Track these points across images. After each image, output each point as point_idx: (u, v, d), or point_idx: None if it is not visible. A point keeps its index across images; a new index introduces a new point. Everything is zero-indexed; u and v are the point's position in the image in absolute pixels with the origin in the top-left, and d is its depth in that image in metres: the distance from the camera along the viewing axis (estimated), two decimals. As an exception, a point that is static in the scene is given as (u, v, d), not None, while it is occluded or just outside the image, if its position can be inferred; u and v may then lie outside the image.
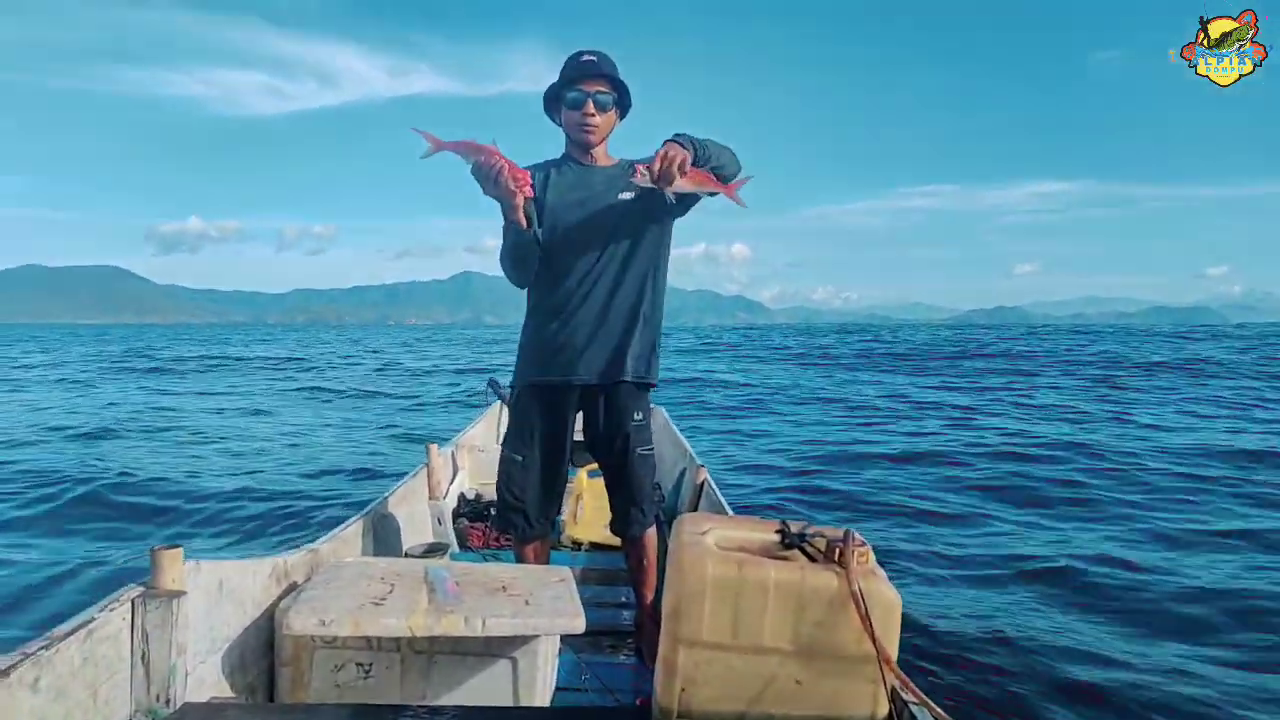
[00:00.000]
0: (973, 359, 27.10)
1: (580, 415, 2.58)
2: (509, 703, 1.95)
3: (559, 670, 2.23)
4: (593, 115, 2.41)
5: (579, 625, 1.89)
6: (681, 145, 2.18)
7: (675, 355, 32.31)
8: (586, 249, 2.43)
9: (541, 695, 2.00)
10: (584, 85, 2.40)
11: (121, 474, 7.08)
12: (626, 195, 2.42)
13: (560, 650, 2.30)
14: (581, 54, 2.44)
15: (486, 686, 1.95)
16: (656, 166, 2.12)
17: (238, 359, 30.95)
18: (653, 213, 2.44)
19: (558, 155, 2.57)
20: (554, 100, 2.47)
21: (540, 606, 1.93)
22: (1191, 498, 6.36)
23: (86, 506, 6.05)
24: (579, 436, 2.60)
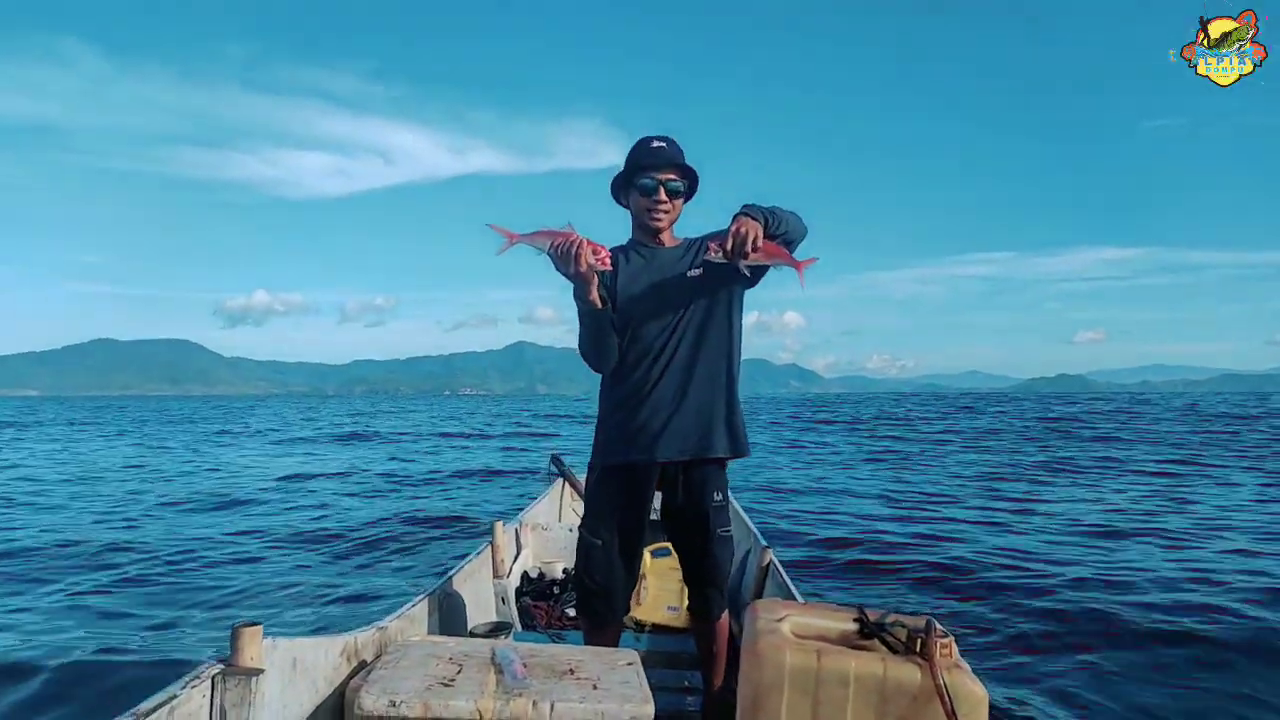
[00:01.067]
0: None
1: (659, 495, 2.54)
2: None
3: None
4: (664, 202, 2.43)
5: (648, 712, 1.83)
6: (752, 218, 2.19)
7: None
8: (660, 328, 2.45)
9: None
10: (655, 173, 2.43)
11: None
12: (695, 272, 2.43)
13: None
14: (651, 140, 2.47)
15: None
16: (730, 244, 2.14)
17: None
18: (723, 287, 2.45)
19: (624, 239, 2.58)
20: (624, 185, 2.52)
21: (609, 691, 1.89)
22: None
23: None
24: (654, 515, 2.58)
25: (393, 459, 17.90)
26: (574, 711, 1.80)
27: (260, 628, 1.74)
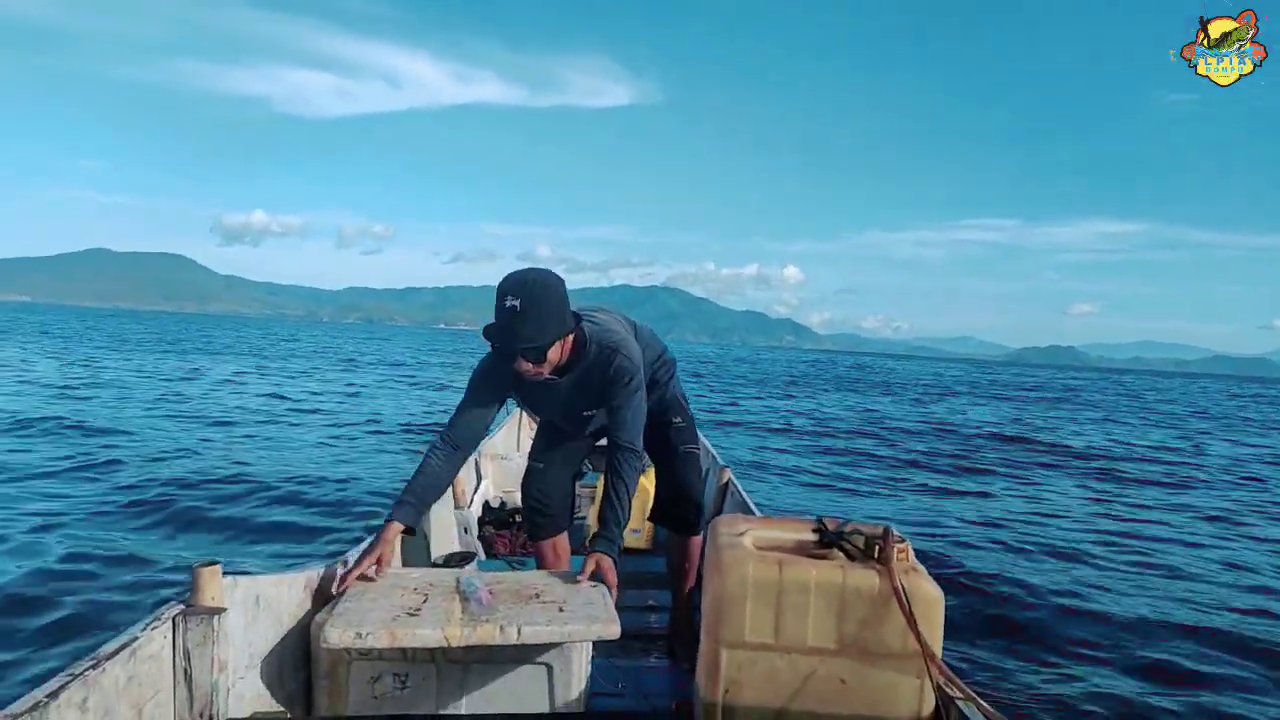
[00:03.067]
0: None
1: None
2: (545, 709, 1.95)
3: (592, 675, 2.23)
4: (529, 367, 2.21)
5: (614, 631, 1.86)
6: (603, 562, 2.17)
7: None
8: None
9: (578, 701, 1.98)
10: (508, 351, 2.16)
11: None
12: (589, 413, 2.42)
13: (591, 655, 2.29)
14: (505, 298, 2.14)
15: (522, 694, 1.95)
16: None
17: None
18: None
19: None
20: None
21: (575, 613, 1.91)
22: None
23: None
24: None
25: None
26: (541, 634, 1.82)
27: (219, 567, 1.72)
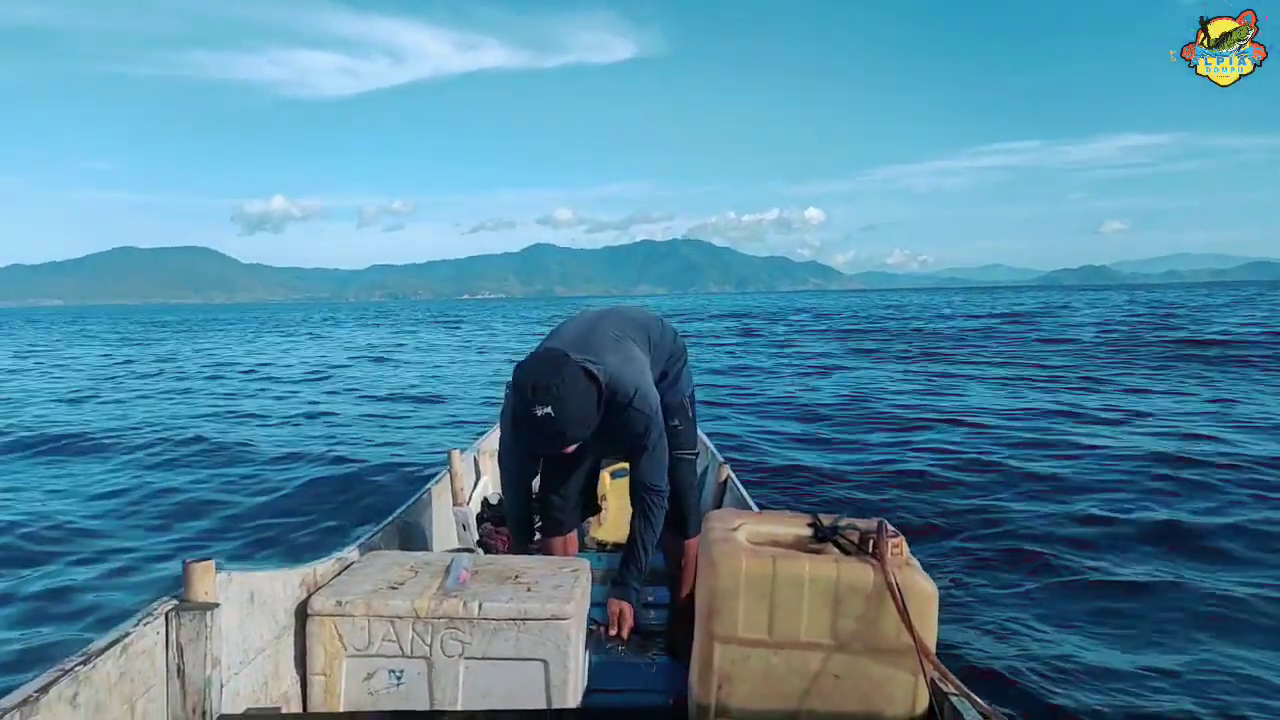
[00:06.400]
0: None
1: None
2: (541, 705, 1.95)
3: (589, 671, 2.23)
4: (570, 452, 2.28)
5: (568, 611, 1.92)
6: (624, 598, 2.41)
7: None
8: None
9: (574, 696, 1.99)
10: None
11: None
12: (609, 461, 2.48)
13: (590, 651, 2.30)
14: (533, 407, 2.09)
15: (518, 690, 1.95)
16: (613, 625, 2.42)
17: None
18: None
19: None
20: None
21: (539, 594, 1.98)
22: None
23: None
24: None
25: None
26: (499, 610, 1.92)
27: (212, 563, 1.72)
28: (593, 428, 2.19)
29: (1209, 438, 7.59)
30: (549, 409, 2.06)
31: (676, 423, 2.62)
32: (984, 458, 6.95)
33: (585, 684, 2.14)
